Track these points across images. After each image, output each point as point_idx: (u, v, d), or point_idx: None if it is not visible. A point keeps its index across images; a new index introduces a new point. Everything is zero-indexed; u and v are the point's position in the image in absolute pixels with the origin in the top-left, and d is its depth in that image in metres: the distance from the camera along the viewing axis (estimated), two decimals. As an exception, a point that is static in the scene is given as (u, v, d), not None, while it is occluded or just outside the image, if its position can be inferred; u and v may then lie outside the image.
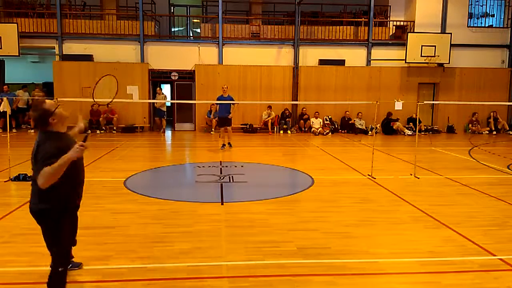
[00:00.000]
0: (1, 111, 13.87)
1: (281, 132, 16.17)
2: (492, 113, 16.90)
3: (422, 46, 16.05)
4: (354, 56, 16.98)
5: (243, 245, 4.36)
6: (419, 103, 8.41)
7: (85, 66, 15.62)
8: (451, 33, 16.35)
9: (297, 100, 16.43)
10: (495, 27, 17.73)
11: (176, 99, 16.24)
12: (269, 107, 15.99)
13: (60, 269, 3.07)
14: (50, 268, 3.11)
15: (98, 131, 15.00)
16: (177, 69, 16.41)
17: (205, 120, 16.18)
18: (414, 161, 8.19)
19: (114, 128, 15.49)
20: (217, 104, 12.10)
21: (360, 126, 16.18)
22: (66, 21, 15.99)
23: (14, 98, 14.81)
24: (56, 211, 3.03)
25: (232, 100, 11.38)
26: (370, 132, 15.55)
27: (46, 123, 3.01)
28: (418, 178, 7.82)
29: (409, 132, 15.75)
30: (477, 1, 17.41)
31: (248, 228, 4.92)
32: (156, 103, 15.64)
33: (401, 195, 6.51)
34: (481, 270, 3.88)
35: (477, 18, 17.60)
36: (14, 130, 7.83)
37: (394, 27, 17.42)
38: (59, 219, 3.05)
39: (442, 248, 4.39)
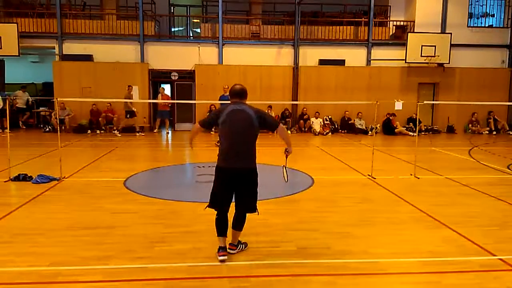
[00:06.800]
0: None
1: (281, 132, 16.13)
2: (491, 113, 16.90)
3: (422, 46, 16.04)
4: (354, 56, 16.98)
5: (243, 245, 4.35)
6: (419, 103, 8.41)
7: (85, 66, 15.63)
8: (451, 33, 16.35)
9: (297, 100, 16.42)
10: (495, 27, 17.73)
11: (176, 99, 16.23)
12: (269, 107, 15.99)
13: (257, 213, 4.14)
14: (239, 215, 4.10)
15: (98, 131, 14.99)
16: (177, 69, 16.41)
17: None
18: (414, 161, 8.19)
19: (114, 128, 15.48)
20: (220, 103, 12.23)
21: (360, 126, 16.17)
22: (66, 21, 15.99)
23: (12, 98, 14.79)
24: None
25: None
26: (370, 132, 15.54)
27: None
28: (418, 178, 7.81)
29: (412, 134, 15.71)
30: (477, 1, 17.41)
31: (248, 228, 4.91)
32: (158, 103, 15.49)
33: (401, 195, 6.52)
34: (481, 270, 3.88)
35: (477, 18, 17.60)
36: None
37: (394, 27, 17.42)
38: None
39: (442, 248, 4.39)
